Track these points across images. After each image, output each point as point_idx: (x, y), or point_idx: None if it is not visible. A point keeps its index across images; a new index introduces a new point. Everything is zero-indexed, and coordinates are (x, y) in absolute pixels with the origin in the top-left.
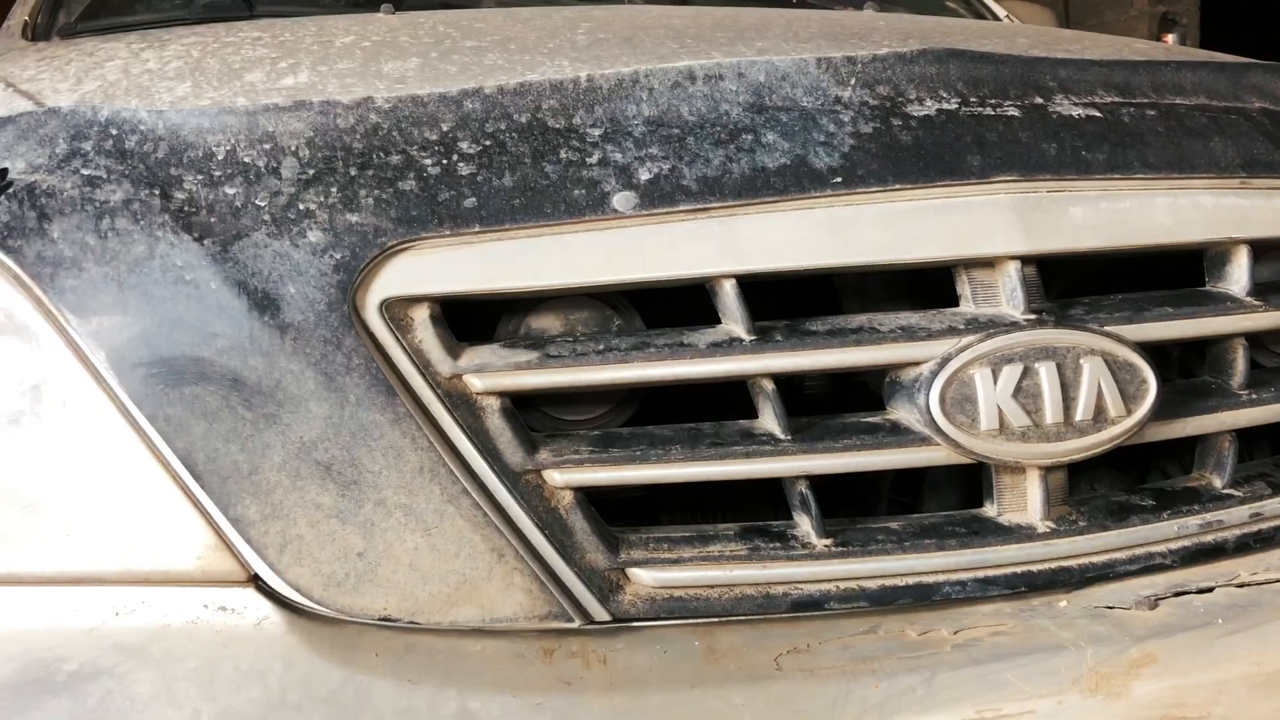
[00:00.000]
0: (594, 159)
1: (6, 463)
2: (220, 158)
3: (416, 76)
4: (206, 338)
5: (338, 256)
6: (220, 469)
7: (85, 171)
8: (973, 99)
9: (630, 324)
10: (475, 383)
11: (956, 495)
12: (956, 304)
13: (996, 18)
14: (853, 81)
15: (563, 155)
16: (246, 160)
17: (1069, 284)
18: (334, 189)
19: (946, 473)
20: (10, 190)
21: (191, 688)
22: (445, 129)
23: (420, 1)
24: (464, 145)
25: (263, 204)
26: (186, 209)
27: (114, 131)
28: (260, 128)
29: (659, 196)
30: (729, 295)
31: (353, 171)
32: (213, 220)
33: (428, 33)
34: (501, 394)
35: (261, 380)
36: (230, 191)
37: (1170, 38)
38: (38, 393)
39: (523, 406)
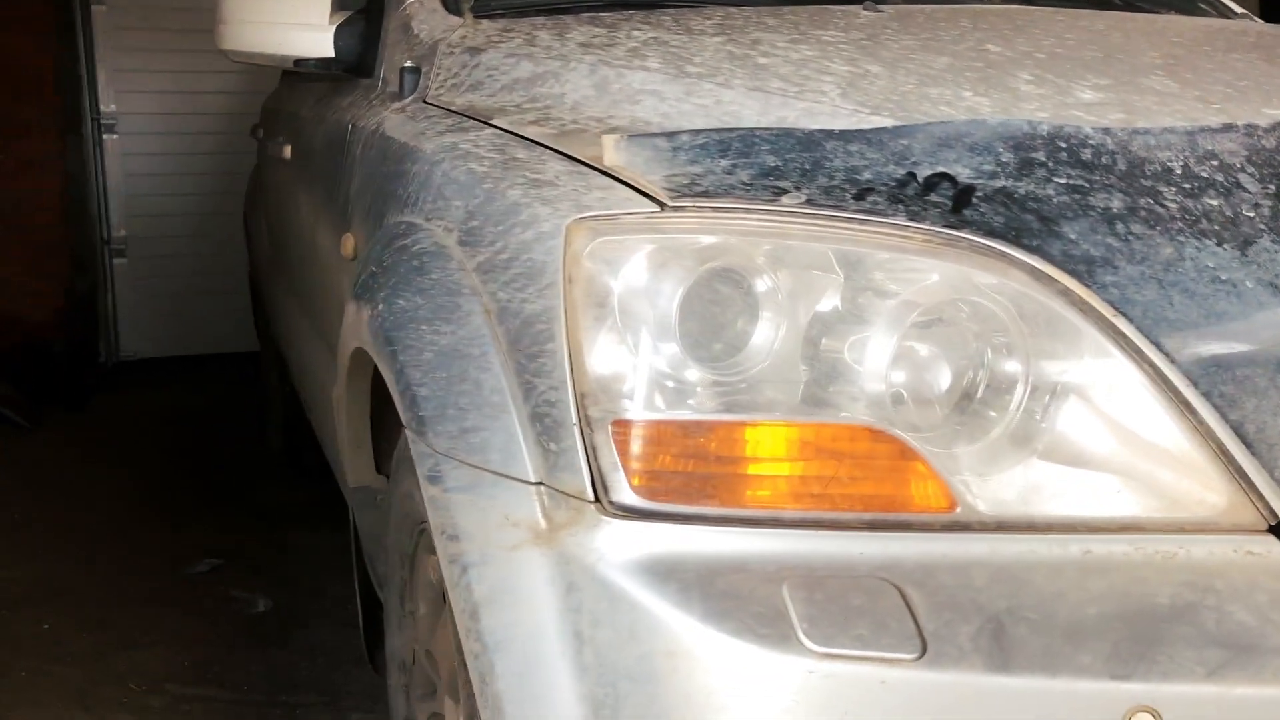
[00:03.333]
0: None
1: (1065, 431)
2: (1179, 172)
3: (1185, 95)
4: (1253, 329)
5: None
6: (1268, 437)
7: (1060, 180)
8: None
9: None
10: None
11: None
12: None
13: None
14: None
15: None
16: (1204, 175)
17: None
18: None
19: None
20: (977, 193)
21: (1272, 617)
22: None
23: None
24: None
25: (1251, 214)
26: (1187, 215)
27: (1064, 145)
28: (1201, 146)
29: None
30: None
31: None
32: (1216, 227)
33: (1045, 40)
34: None
35: None
36: (1213, 203)
37: None
38: (1081, 373)
39: None
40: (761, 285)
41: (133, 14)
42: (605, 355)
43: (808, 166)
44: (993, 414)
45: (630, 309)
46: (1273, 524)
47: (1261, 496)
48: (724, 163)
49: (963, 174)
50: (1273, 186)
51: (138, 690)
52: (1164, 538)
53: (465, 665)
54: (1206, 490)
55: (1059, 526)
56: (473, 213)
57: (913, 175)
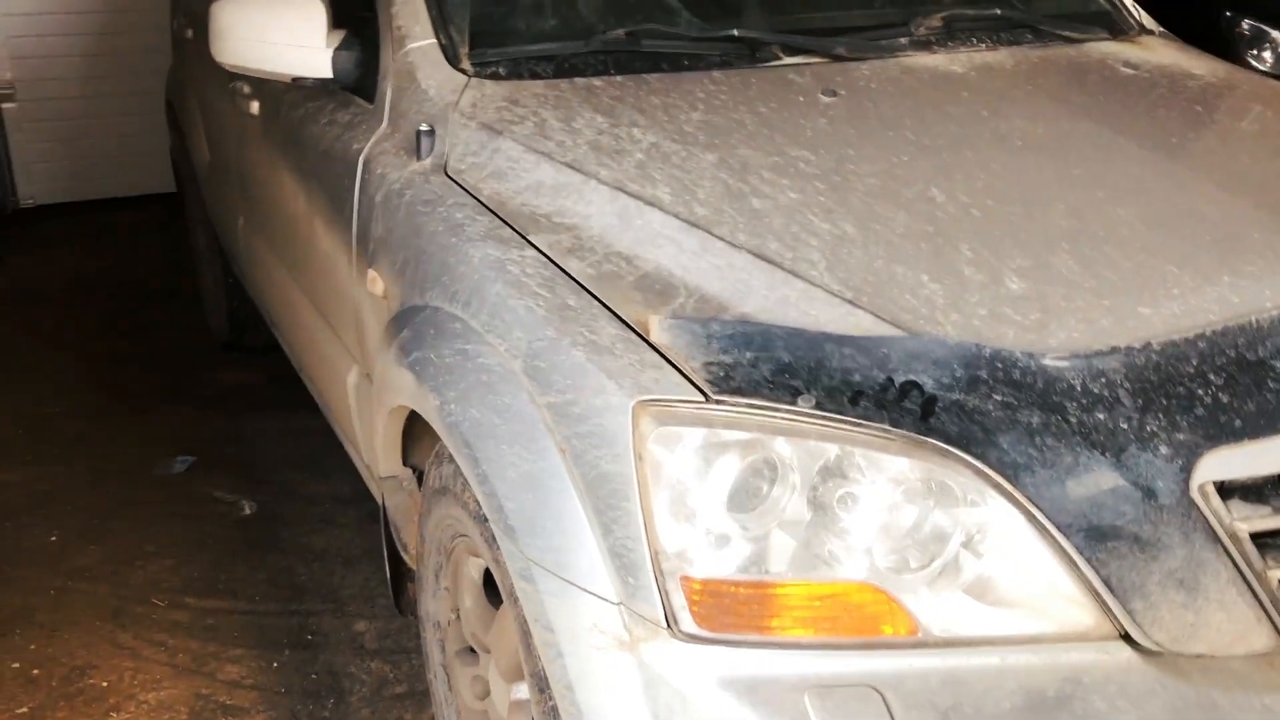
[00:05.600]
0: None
1: (991, 575)
2: (1079, 389)
3: (1085, 284)
4: (1120, 513)
5: (1179, 463)
6: (1124, 583)
7: (997, 397)
8: None
9: None
10: (1241, 527)
11: None
12: None
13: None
14: None
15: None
16: (1095, 392)
17: None
18: (1160, 414)
19: None
20: (938, 404)
21: (1117, 703)
22: (1195, 365)
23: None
24: (1211, 376)
25: (1125, 426)
26: (1082, 429)
27: (1000, 366)
28: (1094, 367)
29: None
30: None
31: (1163, 400)
32: (1102, 438)
33: (976, 181)
34: (1254, 533)
35: (1149, 536)
36: (1100, 416)
37: None
38: (1004, 537)
39: None
40: (785, 470)
41: None
42: (673, 525)
43: (813, 365)
44: (934, 556)
45: (690, 488)
46: (1121, 634)
47: (1116, 618)
48: (749, 355)
49: (928, 383)
50: (1140, 401)
51: (162, 605)
52: (1054, 647)
53: (534, 676)
54: (1082, 614)
55: (985, 642)
56: (537, 353)
57: (891, 381)
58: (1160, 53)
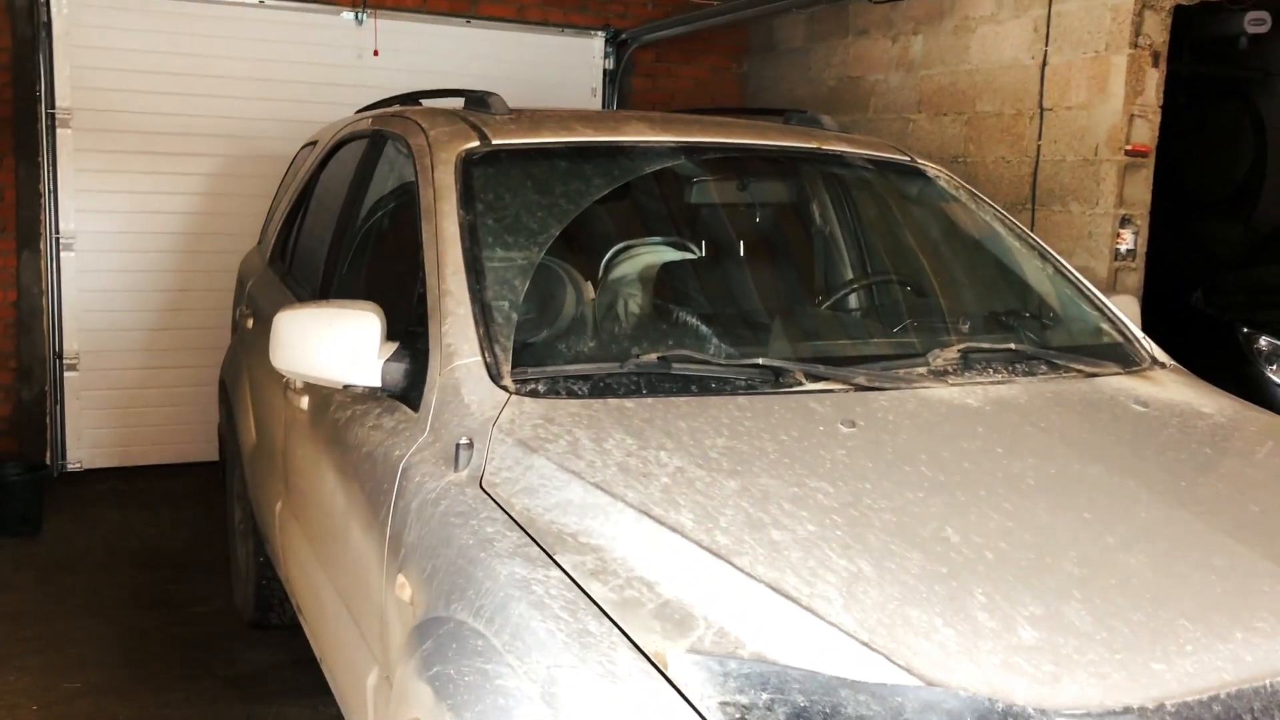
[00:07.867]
0: None
1: None
2: None
3: (1095, 637)
4: None
5: None
6: None
7: None
8: None
9: None
10: None
11: None
12: None
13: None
14: None
15: None
16: None
17: None
18: None
19: None
20: None
21: None
22: None
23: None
24: None
25: None
26: None
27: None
28: None
29: None
30: None
31: None
32: None
33: (990, 521)
34: None
35: None
36: None
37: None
38: None
39: None
40: None
41: (98, 138)
42: None
43: (828, 710)
44: None
45: None
46: None
47: None
48: (765, 696)
49: None
50: None
51: None
52: None
53: None
54: None
55: None
56: (555, 679)
57: None
58: (1171, 389)
